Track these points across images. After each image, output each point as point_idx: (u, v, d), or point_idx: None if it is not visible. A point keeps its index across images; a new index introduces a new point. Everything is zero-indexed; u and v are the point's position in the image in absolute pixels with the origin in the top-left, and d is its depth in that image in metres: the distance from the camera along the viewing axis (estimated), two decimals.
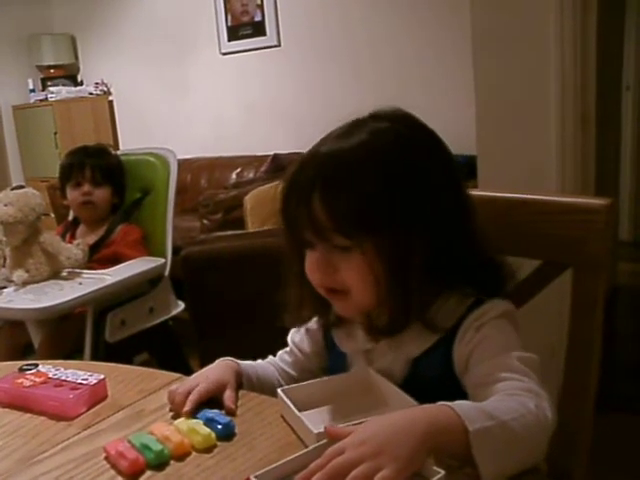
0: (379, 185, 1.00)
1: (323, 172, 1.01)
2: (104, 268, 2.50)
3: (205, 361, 2.69)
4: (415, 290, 1.02)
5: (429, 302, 1.04)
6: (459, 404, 0.84)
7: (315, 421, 0.95)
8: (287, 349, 1.28)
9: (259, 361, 1.28)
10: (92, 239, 2.71)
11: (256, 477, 0.81)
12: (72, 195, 2.79)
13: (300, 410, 0.99)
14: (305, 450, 0.87)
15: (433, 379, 1.04)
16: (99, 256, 2.66)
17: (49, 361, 1.32)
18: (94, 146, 2.92)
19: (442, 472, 0.79)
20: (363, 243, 1.00)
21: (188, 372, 1.24)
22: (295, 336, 1.28)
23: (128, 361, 2.46)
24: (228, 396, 1.08)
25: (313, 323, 1.25)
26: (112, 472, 0.94)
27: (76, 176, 2.76)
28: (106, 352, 2.45)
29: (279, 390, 1.04)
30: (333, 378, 1.09)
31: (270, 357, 1.29)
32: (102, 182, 2.75)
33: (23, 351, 2.54)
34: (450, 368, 1.03)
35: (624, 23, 4.49)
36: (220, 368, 1.16)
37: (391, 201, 1.00)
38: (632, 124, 5.01)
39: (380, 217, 1.00)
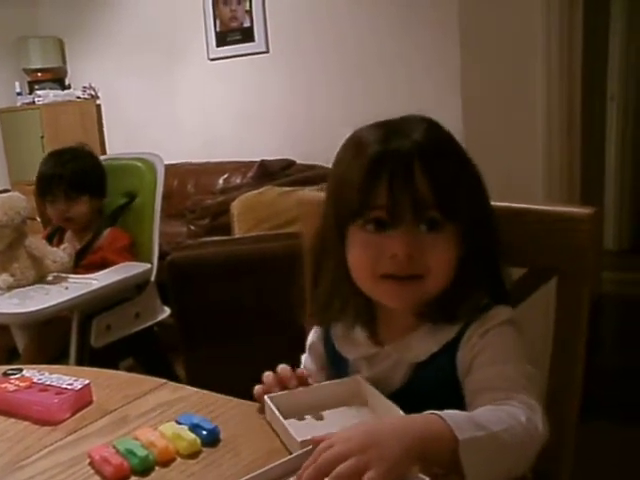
0: (460, 166, 1.04)
1: (422, 151, 1.00)
2: (91, 274, 2.49)
3: (191, 367, 2.68)
4: (476, 278, 1.04)
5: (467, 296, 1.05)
6: (450, 414, 0.84)
7: (300, 429, 0.95)
8: None
9: None
10: (79, 244, 2.70)
11: None
12: (49, 210, 2.73)
13: (286, 418, 0.99)
14: (289, 457, 0.87)
15: (434, 384, 1.04)
16: (86, 262, 2.64)
17: (34, 366, 1.31)
18: (68, 150, 2.80)
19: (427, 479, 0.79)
20: (451, 222, 1.00)
21: (173, 378, 1.24)
22: (304, 360, 1.28)
23: (113, 366, 2.44)
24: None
25: (314, 337, 1.25)
26: (97, 478, 0.94)
27: (50, 192, 2.68)
28: (91, 357, 2.44)
29: (266, 397, 1.04)
30: (321, 386, 1.09)
31: None
32: (77, 195, 2.66)
33: (8, 356, 2.52)
34: (453, 372, 1.03)
35: (608, 36, 4.52)
36: None
37: (469, 182, 1.04)
38: (616, 134, 5.05)
39: (471, 199, 1.03)
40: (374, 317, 1.11)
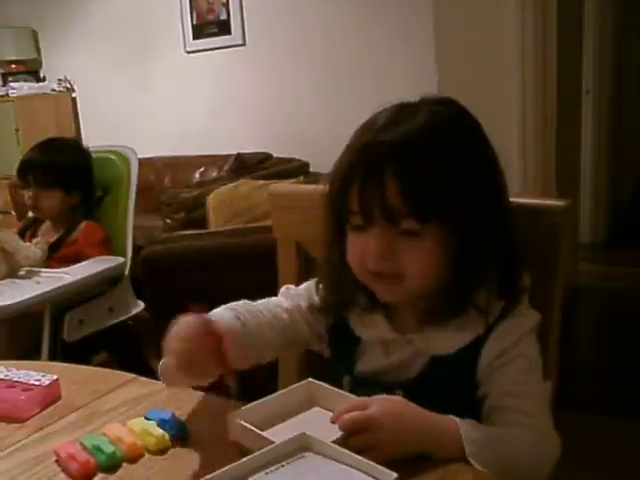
0: (450, 168, 0.98)
1: (395, 153, 0.97)
2: (64, 267, 2.46)
3: None
4: (475, 276, 1.01)
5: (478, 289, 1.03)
6: (468, 427, 0.92)
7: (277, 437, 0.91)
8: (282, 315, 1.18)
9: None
10: (54, 237, 2.67)
11: None
12: (24, 196, 2.73)
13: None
14: (257, 453, 0.86)
15: (451, 377, 1.03)
16: (60, 255, 2.61)
17: (1, 362, 1.29)
18: (58, 142, 2.83)
19: (395, 475, 0.79)
20: (433, 227, 0.98)
21: (148, 372, 1.23)
22: (285, 294, 1.22)
23: (86, 361, 2.43)
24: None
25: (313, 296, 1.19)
26: (62, 475, 0.93)
27: (24, 178, 2.68)
28: (64, 352, 2.42)
29: (230, 415, 0.96)
30: (278, 395, 1.02)
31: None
32: (48, 187, 2.65)
33: None
34: (473, 368, 1.02)
35: (582, 30, 4.53)
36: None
37: (464, 176, 0.99)
38: (592, 127, 5.07)
39: (456, 200, 0.98)
40: (389, 306, 1.10)
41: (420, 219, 0.97)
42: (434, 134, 1.00)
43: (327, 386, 1.02)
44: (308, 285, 1.22)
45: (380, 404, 0.91)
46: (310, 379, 1.05)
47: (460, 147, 1.01)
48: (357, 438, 0.88)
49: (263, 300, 1.18)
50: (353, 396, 0.98)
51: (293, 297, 1.20)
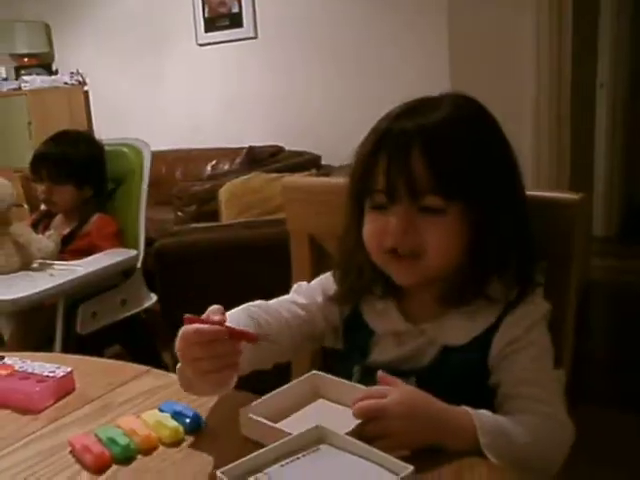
0: (472, 153, 1.01)
1: (422, 134, 1.00)
2: (77, 259, 2.47)
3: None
4: (490, 263, 1.03)
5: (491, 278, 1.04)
6: (483, 417, 0.92)
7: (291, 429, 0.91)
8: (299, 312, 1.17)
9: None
10: (66, 229, 2.68)
11: (223, 472, 0.80)
12: (37, 190, 2.74)
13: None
14: (272, 445, 0.86)
15: (463, 366, 1.03)
16: (72, 247, 2.62)
17: (16, 353, 1.30)
18: (71, 134, 2.82)
19: (411, 467, 0.78)
20: (456, 206, 1.00)
21: (160, 365, 1.23)
22: (299, 291, 1.21)
23: (99, 353, 2.44)
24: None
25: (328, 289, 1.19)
26: (77, 467, 0.93)
27: (37, 171, 2.69)
28: (77, 344, 2.43)
29: (242, 410, 0.96)
30: (284, 389, 1.02)
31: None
32: (60, 180, 2.65)
33: None
34: (484, 356, 1.03)
35: (598, 24, 4.50)
36: None
37: (486, 165, 1.02)
38: (606, 120, 5.04)
39: (479, 180, 1.01)
40: (403, 293, 1.11)
41: (445, 194, 0.99)
42: (458, 123, 1.03)
43: (332, 377, 1.02)
44: (321, 279, 1.22)
45: (395, 394, 0.91)
46: (314, 371, 1.05)
47: (481, 138, 1.04)
48: (369, 426, 0.89)
49: (277, 299, 1.18)
50: (359, 385, 0.98)
51: (307, 293, 1.20)
